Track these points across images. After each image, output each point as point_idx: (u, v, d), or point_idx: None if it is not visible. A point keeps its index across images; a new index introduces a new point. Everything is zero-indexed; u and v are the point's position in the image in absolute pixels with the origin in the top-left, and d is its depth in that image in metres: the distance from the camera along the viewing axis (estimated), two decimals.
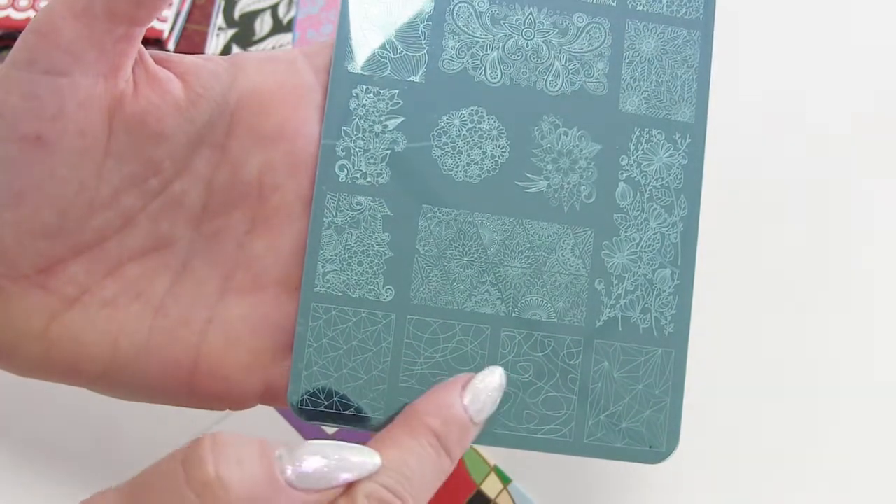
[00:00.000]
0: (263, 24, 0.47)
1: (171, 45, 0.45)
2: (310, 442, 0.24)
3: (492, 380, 0.27)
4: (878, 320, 0.39)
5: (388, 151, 0.28)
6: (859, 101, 0.45)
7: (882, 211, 0.42)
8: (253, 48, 0.46)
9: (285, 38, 0.47)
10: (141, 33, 0.26)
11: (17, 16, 0.44)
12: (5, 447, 0.35)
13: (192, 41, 0.46)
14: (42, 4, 0.45)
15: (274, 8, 0.48)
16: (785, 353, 0.38)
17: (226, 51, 0.46)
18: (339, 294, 0.27)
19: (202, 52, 0.46)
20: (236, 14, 0.47)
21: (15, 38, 0.44)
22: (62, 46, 0.25)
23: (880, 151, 0.44)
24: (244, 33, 0.47)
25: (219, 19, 0.47)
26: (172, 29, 0.45)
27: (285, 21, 0.47)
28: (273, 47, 0.46)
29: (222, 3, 0.48)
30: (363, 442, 0.25)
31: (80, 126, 0.25)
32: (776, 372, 0.38)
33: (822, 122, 0.44)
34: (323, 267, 0.27)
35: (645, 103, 0.29)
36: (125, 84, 0.26)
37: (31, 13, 0.44)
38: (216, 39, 0.47)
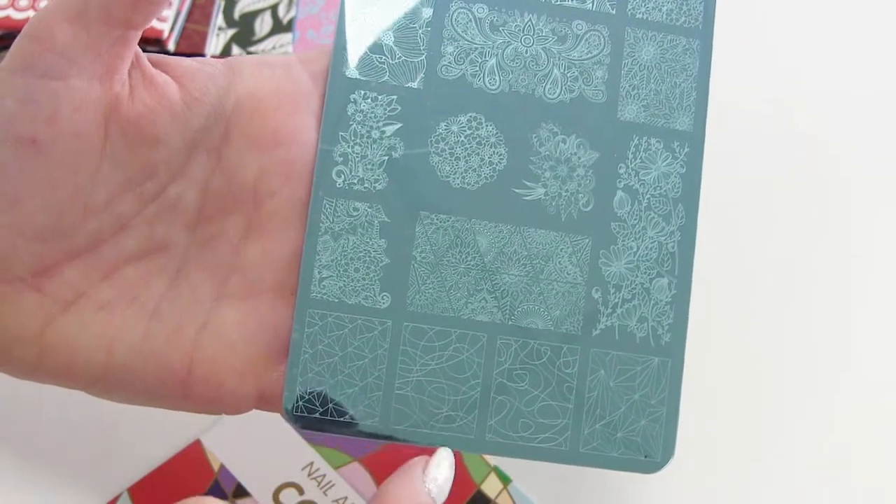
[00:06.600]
0: (263, 24, 0.47)
1: (171, 45, 0.45)
2: None
3: (449, 466, 0.27)
4: (879, 330, 0.39)
5: (386, 157, 0.28)
6: (860, 109, 0.45)
7: (882, 220, 0.42)
8: (253, 48, 0.46)
9: (285, 37, 0.47)
10: (137, 36, 0.26)
11: (17, 16, 0.44)
12: (5, 449, 0.35)
13: (191, 41, 0.46)
14: (42, 5, 0.44)
15: (274, 8, 0.48)
16: (783, 362, 0.38)
17: (226, 51, 0.46)
18: (335, 300, 0.27)
19: (202, 52, 0.46)
20: (236, 14, 0.47)
21: (15, 39, 0.45)
22: (57, 50, 0.25)
23: (881, 159, 0.43)
24: (244, 33, 0.47)
25: (219, 19, 0.47)
26: (172, 28, 0.45)
27: (285, 21, 0.47)
28: (273, 47, 0.46)
29: (222, 3, 0.47)
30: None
31: (75, 129, 0.25)
32: (774, 381, 0.38)
33: (823, 131, 0.44)
34: (319, 273, 0.27)
35: (644, 111, 0.28)
36: (121, 87, 0.26)
37: (31, 13, 0.44)
38: (216, 39, 0.47)
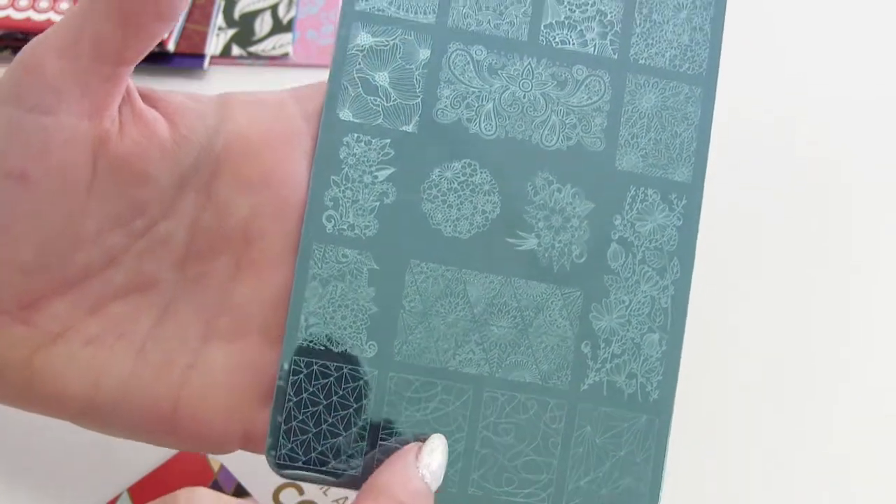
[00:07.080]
0: (263, 24, 0.47)
1: (170, 45, 0.45)
2: None
3: (442, 452, 0.27)
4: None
5: (378, 203, 0.27)
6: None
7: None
8: (253, 48, 0.46)
9: (285, 37, 0.46)
10: (128, 73, 0.25)
11: (16, 16, 0.43)
12: (4, 448, 0.35)
13: (191, 41, 0.45)
14: (41, 4, 0.44)
15: (274, 8, 0.47)
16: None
17: (226, 51, 0.46)
18: (321, 348, 0.27)
19: (202, 52, 0.45)
20: (236, 14, 0.47)
21: (15, 38, 0.44)
22: (47, 83, 0.24)
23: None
24: (244, 33, 0.46)
25: (219, 19, 0.46)
26: (172, 29, 0.45)
27: (285, 21, 0.47)
28: (273, 47, 0.46)
29: (222, 3, 0.47)
30: None
31: (64, 165, 0.25)
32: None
33: (825, 142, 0.43)
34: (306, 320, 0.27)
35: (642, 161, 0.28)
36: (110, 124, 0.25)
37: (31, 13, 0.43)
38: (216, 39, 0.46)
